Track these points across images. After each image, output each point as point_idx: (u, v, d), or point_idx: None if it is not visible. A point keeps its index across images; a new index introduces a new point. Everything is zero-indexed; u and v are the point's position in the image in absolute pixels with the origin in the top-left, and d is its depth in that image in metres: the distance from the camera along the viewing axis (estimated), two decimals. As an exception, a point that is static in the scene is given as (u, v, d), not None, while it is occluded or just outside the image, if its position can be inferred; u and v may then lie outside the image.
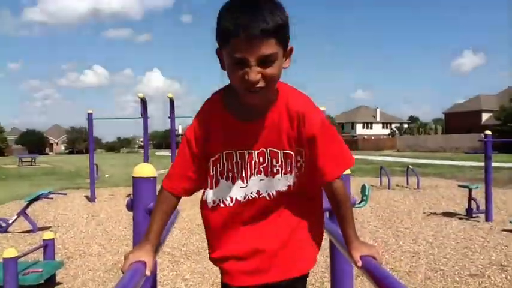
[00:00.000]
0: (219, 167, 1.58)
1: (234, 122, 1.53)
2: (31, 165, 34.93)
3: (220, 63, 1.47)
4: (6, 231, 7.89)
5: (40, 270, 4.60)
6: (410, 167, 14.75)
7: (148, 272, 1.46)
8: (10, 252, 4.26)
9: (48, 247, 5.13)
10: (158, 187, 1.85)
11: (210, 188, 1.62)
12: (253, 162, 1.55)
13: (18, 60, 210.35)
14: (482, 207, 8.37)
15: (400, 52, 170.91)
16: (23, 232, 7.94)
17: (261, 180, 1.57)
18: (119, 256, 6.20)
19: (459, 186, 10.11)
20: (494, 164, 17.97)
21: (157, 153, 57.18)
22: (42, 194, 8.20)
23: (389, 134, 79.04)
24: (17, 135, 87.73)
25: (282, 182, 1.57)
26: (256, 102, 1.46)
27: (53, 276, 4.97)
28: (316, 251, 1.69)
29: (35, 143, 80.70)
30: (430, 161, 28.41)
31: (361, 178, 16.30)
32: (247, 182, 1.57)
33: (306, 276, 1.68)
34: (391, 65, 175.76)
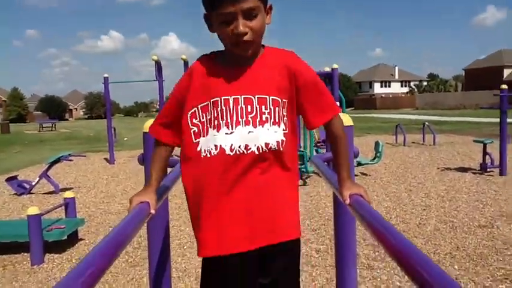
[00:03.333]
0: (206, 115, 1.58)
1: (221, 67, 1.60)
2: (51, 130, 35.55)
3: (209, 26, 1.60)
4: (30, 193, 8.20)
5: (63, 226, 4.84)
6: (427, 123, 14.65)
7: (152, 211, 1.58)
8: (33, 210, 4.50)
9: (69, 205, 5.37)
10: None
11: (203, 135, 1.58)
12: (239, 107, 1.55)
13: (35, 29, 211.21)
14: (497, 162, 8.36)
15: (420, 8, 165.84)
16: (46, 193, 8.25)
17: (249, 132, 1.53)
18: (137, 214, 6.44)
19: (474, 141, 10.08)
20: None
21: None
22: (62, 156, 8.45)
23: (407, 92, 77.84)
24: (36, 102, 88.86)
25: (271, 134, 1.56)
26: (246, 53, 1.55)
27: (75, 232, 5.22)
28: (299, 214, 1.70)
29: (54, 109, 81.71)
30: (448, 118, 28.11)
31: (377, 136, 16.29)
32: (233, 129, 1.54)
33: (299, 241, 1.68)
34: (411, 21, 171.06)
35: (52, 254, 4.73)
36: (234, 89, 1.56)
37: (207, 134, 1.57)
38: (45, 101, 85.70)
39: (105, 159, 13.19)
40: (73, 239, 5.16)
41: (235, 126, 1.54)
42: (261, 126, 1.54)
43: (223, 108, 1.55)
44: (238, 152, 1.53)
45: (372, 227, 1.34)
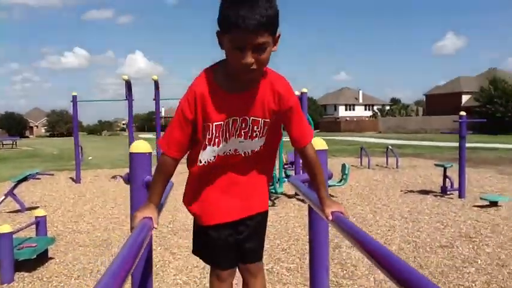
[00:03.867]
0: (208, 135, 1.83)
1: (223, 93, 1.79)
2: (12, 148, 34.61)
3: (219, 43, 1.74)
4: (-6, 211, 8.03)
5: (34, 245, 4.81)
6: (390, 147, 15.12)
7: (155, 225, 1.76)
8: (5, 228, 4.47)
9: (40, 224, 5.33)
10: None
11: (202, 149, 1.91)
12: (237, 126, 1.85)
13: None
14: (457, 185, 8.75)
15: (383, 34, 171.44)
16: (11, 212, 8.09)
17: (240, 142, 1.90)
18: (108, 233, 6.42)
19: (435, 165, 10.51)
20: (472, 145, 18.46)
21: (140, 136, 56.81)
22: (30, 174, 8.32)
23: (371, 116, 79.76)
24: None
25: (258, 143, 1.93)
26: (249, 78, 1.75)
27: (46, 251, 5.18)
28: (268, 196, 2.22)
29: (14, 126, 79.56)
30: (410, 142, 29.00)
31: (342, 158, 16.67)
32: (228, 142, 1.89)
33: (267, 212, 2.17)
34: (374, 47, 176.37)
35: (22, 273, 4.68)
36: (234, 112, 1.80)
37: (205, 149, 1.88)
38: (5, 118, 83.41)
39: (71, 178, 13.00)
40: (42, 257, 5.10)
41: (230, 138, 1.87)
42: (250, 139, 1.88)
43: (224, 128, 1.82)
44: (228, 154, 1.92)
45: (354, 238, 1.52)
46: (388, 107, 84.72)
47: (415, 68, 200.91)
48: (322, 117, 77.23)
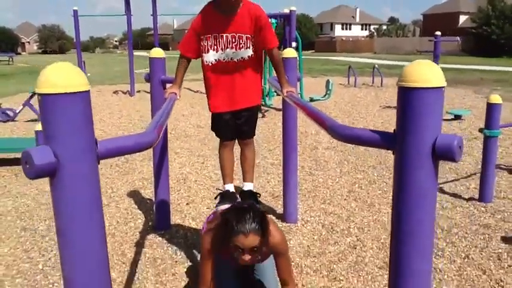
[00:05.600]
0: (209, 42, 2.85)
1: (218, 15, 2.81)
2: (8, 64, 34.87)
3: None
4: (14, 120, 8.97)
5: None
6: (376, 67, 15.89)
7: (178, 97, 2.89)
8: (40, 126, 5.45)
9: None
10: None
11: (206, 53, 2.89)
12: (228, 40, 2.83)
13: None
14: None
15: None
16: (29, 121, 9.03)
17: (233, 52, 2.87)
18: (119, 137, 7.44)
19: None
20: (459, 66, 19.07)
21: (135, 54, 56.59)
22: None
23: (367, 36, 79.04)
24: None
25: (245, 53, 2.88)
26: (232, 3, 2.75)
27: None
28: (261, 93, 3.15)
29: (5, 41, 77.93)
30: (401, 63, 29.56)
31: (334, 78, 17.46)
32: (224, 51, 2.85)
33: (259, 106, 3.16)
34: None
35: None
36: (225, 29, 2.82)
37: (208, 52, 2.88)
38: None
39: (75, 92, 13.82)
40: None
41: (225, 49, 2.85)
42: (239, 49, 2.87)
43: (220, 40, 2.83)
44: (227, 61, 2.89)
45: (299, 106, 2.52)
46: (385, 27, 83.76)
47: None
48: (318, 37, 76.51)
